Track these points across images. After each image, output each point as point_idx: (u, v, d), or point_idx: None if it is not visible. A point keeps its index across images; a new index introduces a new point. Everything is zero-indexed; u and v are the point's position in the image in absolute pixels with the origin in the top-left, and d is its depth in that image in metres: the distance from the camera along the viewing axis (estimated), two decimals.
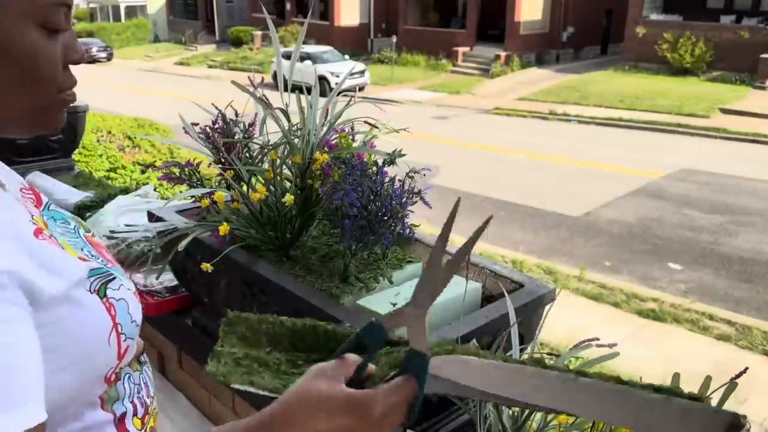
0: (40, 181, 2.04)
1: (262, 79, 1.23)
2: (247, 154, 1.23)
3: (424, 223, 1.24)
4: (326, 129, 1.15)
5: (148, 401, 0.63)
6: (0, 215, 0.49)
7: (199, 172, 1.20)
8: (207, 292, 1.22)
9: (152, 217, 1.30)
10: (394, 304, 0.96)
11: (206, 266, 1.02)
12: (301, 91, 1.17)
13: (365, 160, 1.08)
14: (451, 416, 0.96)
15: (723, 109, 12.22)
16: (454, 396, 0.90)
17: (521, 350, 0.86)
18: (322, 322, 0.65)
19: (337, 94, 1.18)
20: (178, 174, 1.18)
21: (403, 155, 1.08)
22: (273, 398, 0.51)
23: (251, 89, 1.13)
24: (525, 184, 7.61)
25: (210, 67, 20.78)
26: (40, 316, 0.47)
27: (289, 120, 1.15)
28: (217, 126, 1.22)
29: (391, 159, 1.09)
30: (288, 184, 1.18)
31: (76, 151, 3.98)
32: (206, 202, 1.15)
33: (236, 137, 1.22)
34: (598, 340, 0.81)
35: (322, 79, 14.38)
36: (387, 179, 1.03)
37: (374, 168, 1.05)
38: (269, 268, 1.08)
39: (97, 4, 32.83)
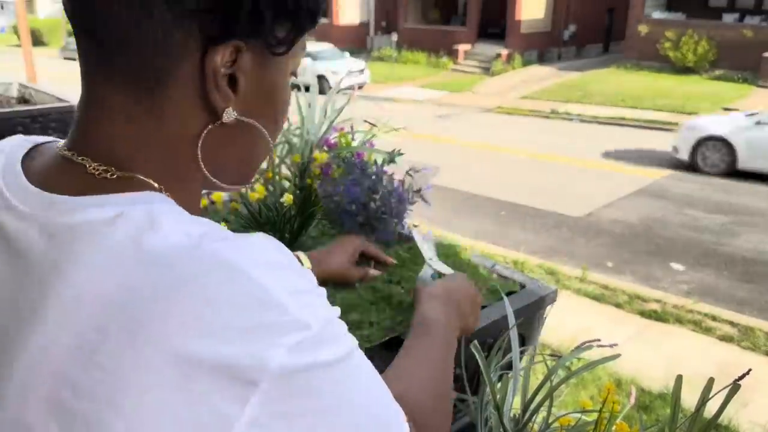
0: None
1: None
2: None
3: (424, 222, 1.23)
4: (325, 128, 1.14)
5: None
6: None
7: None
8: None
9: None
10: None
11: None
12: (300, 90, 1.16)
13: (365, 159, 1.07)
14: (451, 418, 0.95)
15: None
16: (455, 399, 0.89)
17: (522, 352, 0.85)
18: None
19: (337, 93, 1.17)
20: None
21: (402, 154, 1.07)
22: None
23: None
24: (526, 184, 7.60)
25: None
26: None
27: (287, 119, 1.14)
28: None
29: (391, 158, 1.08)
30: (287, 184, 1.18)
31: None
32: (204, 201, 1.14)
33: None
34: (599, 341, 0.80)
35: (321, 78, 14.36)
36: (386, 177, 1.02)
37: (374, 167, 1.04)
38: None
39: None
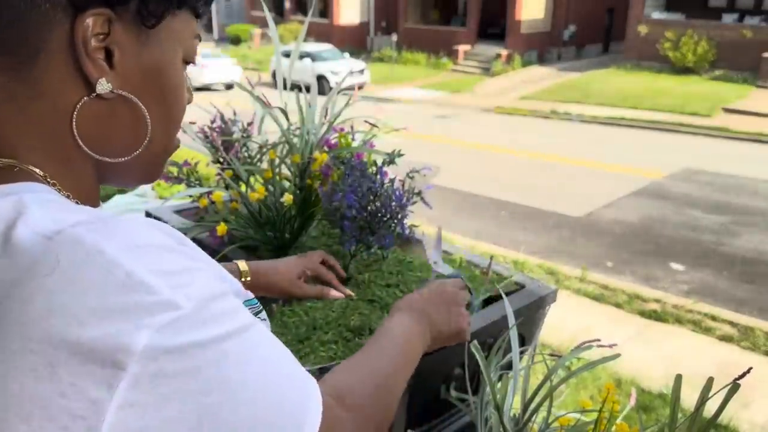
0: None
1: (259, 77, 1.22)
2: (246, 154, 1.22)
3: (424, 223, 1.23)
4: (325, 128, 1.14)
5: None
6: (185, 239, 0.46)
7: (197, 172, 1.20)
8: None
9: (150, 217, 1.29)
10: None
11: None
12: (300, 90, 1.16)
13: (365, 159, 1.07)
14: (451, 418, 0.95)
15: (726, 109, 12.19)
16: (456, 398, 0.89)
17: (522, 352, 0.86)
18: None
19: (337, 93, 1.17)
20: (176, 173, 1.18)
21: (402, 155, 1.07)
22: None
23: (250, 88, 1.13)
24: (526, 184, 7.60)
25: None
26: None
27: (288, 119, 1.14)
28: (215, 125, 1.21)
29: (391, 159, 1.08)
30: (287, 184, 1.18)
31: None
32: (204, 201, 1.14)
33: (235, 136, 1.21)
34: (599, 341, 0.80)
35: (321, 78, 14.35)
36: (387, 179, 1.02)
37: (374, 168, 1.04)
38: None
39: None
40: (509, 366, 0.84)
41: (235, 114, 1.22)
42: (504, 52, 17.55)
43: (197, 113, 1.25)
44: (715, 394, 0.64)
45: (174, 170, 1.17)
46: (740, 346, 3.88)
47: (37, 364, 0.32)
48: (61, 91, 0.41)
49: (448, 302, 0.75)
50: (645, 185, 7.57)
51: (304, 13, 22.31)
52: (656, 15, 16.74)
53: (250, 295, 0.53)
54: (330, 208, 1.02)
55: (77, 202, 0.43)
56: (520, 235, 5.96)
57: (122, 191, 2.06)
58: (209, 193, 1.14)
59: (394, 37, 19.22)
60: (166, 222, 1.20)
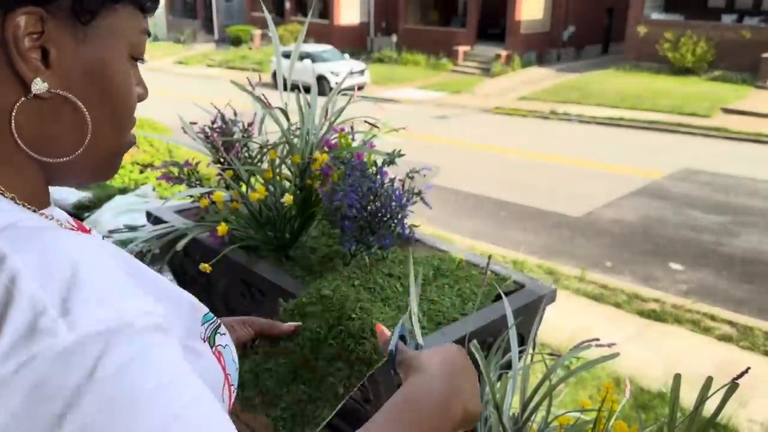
0: None
1: (259, 78, 1.22)
2: (246, 154, 1.22)
3: (424, 223, 1.23)
4: (326, 128, 1.15)
5: None
6: (121, 254, 0.44)
7: (197, 172, 1.20)
8: (206, 293, 1.22)
9: (151, 217, 1.29)
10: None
11: (205, 267, 1.02)
12: (300, 91, 1.16)
13: (365, 159, 1.08)
14: None
15: (725, 109, 12.20)
16: None
17: (521, 351, 0.86)
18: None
19: (337, 94, 1.18)
20: (176, 174, 1.18)
21: (402, 155, 1.07)
22: None
23: (250, 89, 1.13)
24: (526, 184, 7.60)
25: (209, 66, 20.77)
26: None
27: (288, 119, 1.14)
28: (216, 125, 1.21)
29: (391, 159, 1.09)
30: (287, 184, 1.18)
31: None
32: (205, 202, 1.15)
33: (235, 137, 1.21)
34: (598, 340, 0.80)
35: (321, 79, 14.35)
36: (387, 179, 1.02)
37: (374, 168, 1.04)
38: (268, 268, 1.07)
39: None
40: (508, 365, 0.84)
41: (235, 114, 1.23)
42: (503, 53, 17.55)
43: (198, 113, 1.26)
44: (714, 393, 0.65)
45: (175, 170, 1.18)
46: (739, 345, 3.88)
47: None
48: None
49: (471, 375, 0.57)
50: (644, 185, 7.58)
51: (304, 13, 22.30)
52: (655, 15, 16.75)
53: (205, 309, 0.52)
54: (330, 208, 1.02)
55: (23, 204, 0.42)
56: (519, 235, 5.96)
57: (123, 191, 2.06)
58: (210, 193, 1.14)
59: (394, 38, 19.22)
60: (167, 222, 1.20)
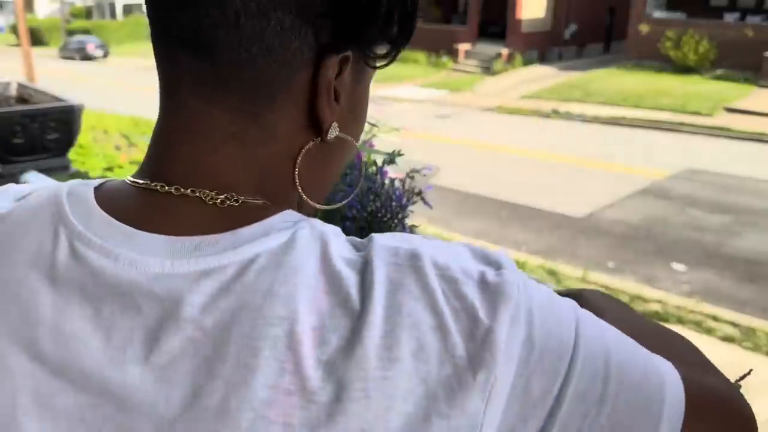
0: (36, 181, 2.01)
1: None
2: None
3: (425, 223, 1.21)
4: None
5: None
6: None
7: None
8: None
9: None
10: None
11: None
12: None
13: (364, 159, 1.05)
14: None
15: (727, 108, 12.17)
16: None
17: None
18: None
19: None
20: None
21: (402, 154, 1.05)
22: None
23: None
24: (527, 184, 7.58)
25: None
26: None
27: None
28: None
29: (391, 158, 1.06)
30: None
31: (72, 150, 3.95)
32: None
33: None
34: None
35: None
36: (387, 179, 1.00)
37: (374, 168, 1.02)
38: None
39: (95, 1, 32.84)
40: None
41: None
42: (505, 51, 17.53)
43: None
44: None
45: None
46: (742, 346, 3.86)
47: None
48: (292, 135, 0.38)
49: None
50: (647, 185, 7.56)
51: None
52: (657, 14, 16.72)
53: None
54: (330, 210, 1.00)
55: None
56: (520, 235, 5.94)
57: None
58: None
59: None
60: None
